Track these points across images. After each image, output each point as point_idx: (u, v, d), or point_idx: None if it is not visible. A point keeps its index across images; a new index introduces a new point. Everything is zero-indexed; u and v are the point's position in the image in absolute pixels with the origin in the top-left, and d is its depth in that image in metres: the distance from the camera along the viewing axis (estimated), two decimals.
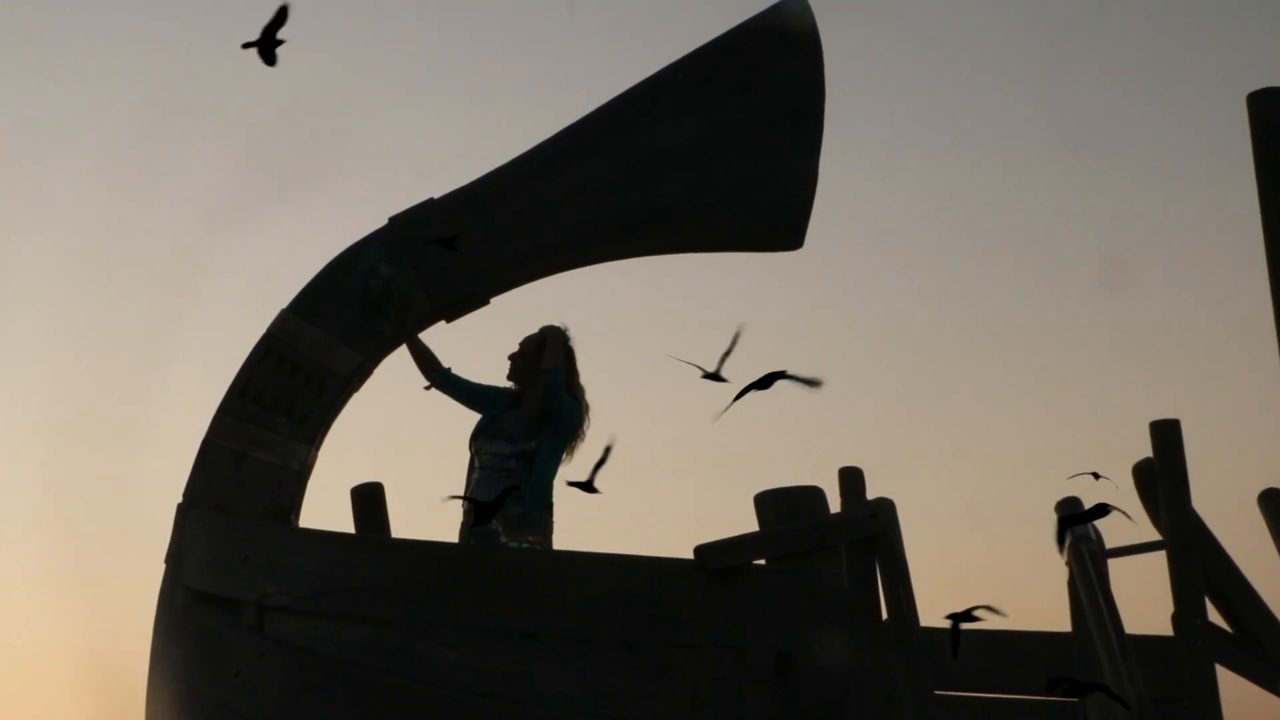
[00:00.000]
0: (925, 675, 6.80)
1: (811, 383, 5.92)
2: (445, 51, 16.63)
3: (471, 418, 6.91)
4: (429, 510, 6.00)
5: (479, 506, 6.02)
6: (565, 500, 6.71)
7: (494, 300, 7.00)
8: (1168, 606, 7.61)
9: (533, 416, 6.67)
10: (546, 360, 6.72)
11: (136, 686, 6.84)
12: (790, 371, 5.92)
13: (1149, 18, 16.92)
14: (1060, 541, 6.87)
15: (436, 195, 6.94)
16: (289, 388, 6.78)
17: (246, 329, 6.99)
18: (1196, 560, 7.59)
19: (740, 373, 6.01)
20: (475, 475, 6.72)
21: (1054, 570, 7.39)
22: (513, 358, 6.88)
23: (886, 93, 16.56)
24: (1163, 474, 7.70)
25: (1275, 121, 6.73)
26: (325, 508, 7.02)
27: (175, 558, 6.74)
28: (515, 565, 6.38)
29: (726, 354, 6.04)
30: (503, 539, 6.52)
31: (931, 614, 7.34)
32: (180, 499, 6.82)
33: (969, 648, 7.52)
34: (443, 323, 6.97)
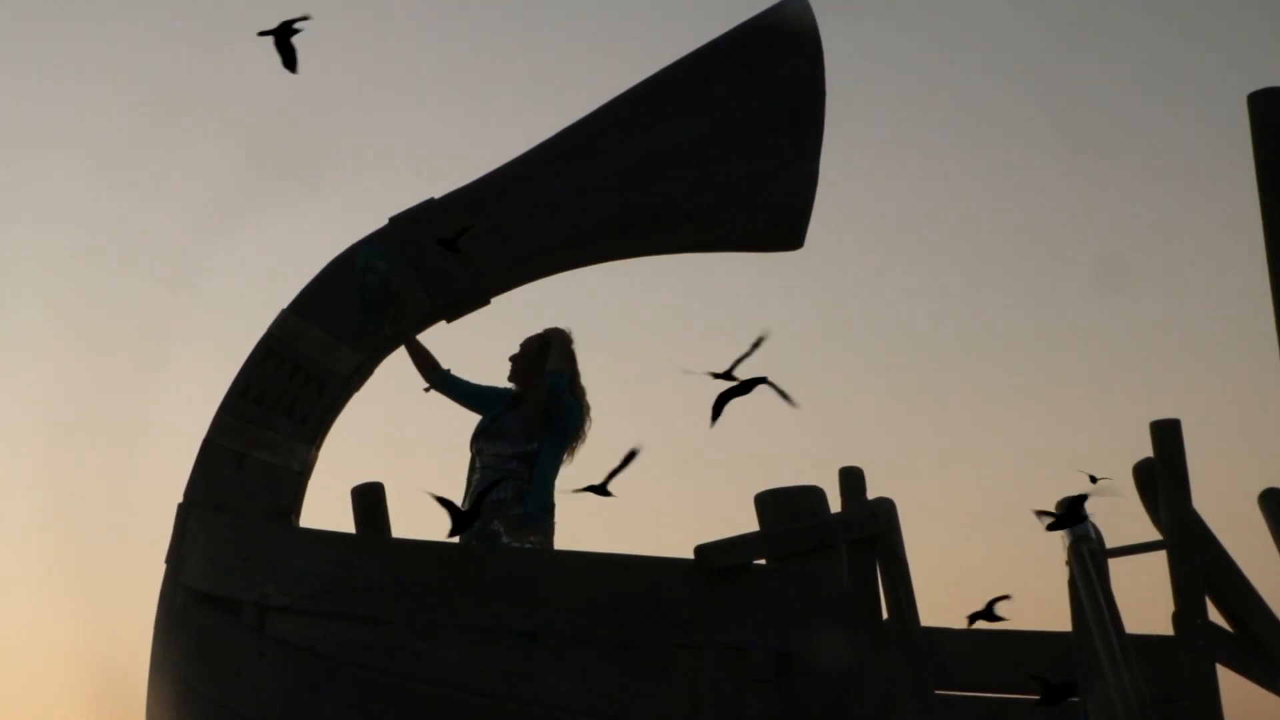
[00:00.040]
0: (926, 675, 6.81)
1: (787, 399, 5.92)
2: (445, 51, 16.63)
3: (472, 417, 6.91)
4: (429, 510, 5.99)
5: (456, 515, 5.98)
6: (565, 500, 6.72)
7: (494, 300, 7.00)
8: (1168, 606, 7.61)
9: (535, 418, 6.67)
10: (551, 363, 6.72)
11: (137, 686, 6.84)
12: (771, 380, 5.91)
13: (1149, 18, 16.93)
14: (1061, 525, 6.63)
15: (436, 195, 6.94)
16: (289, 388, 6.78)
17: (246, 329, 7.00)
18: (1197, 560, 7.59)
19: (743, 373, 6.01)
20: (476, 476, 6.72)
21: (1054, 570, 7.38)
22: (513, 359, 6.88)
23: (886, 93, 16.56)
24: (1163, 474, 7.70)
25: (1276, 122, 6.73)
26: (326, 508, 7.02)
27: (176, 558, 6.73)
28: (515, 565, 6.38)
29: (743, 358, 6.02)
30: (505, 539, 6.52)
31: (932, 614, 7.35)
32: (180, 499, 6.82)
33: (969, 648, 7.54)
34: (443, 323, 6.97)
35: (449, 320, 6.96)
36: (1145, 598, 7.83)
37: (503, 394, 6.89)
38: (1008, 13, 17.00)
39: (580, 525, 6.81)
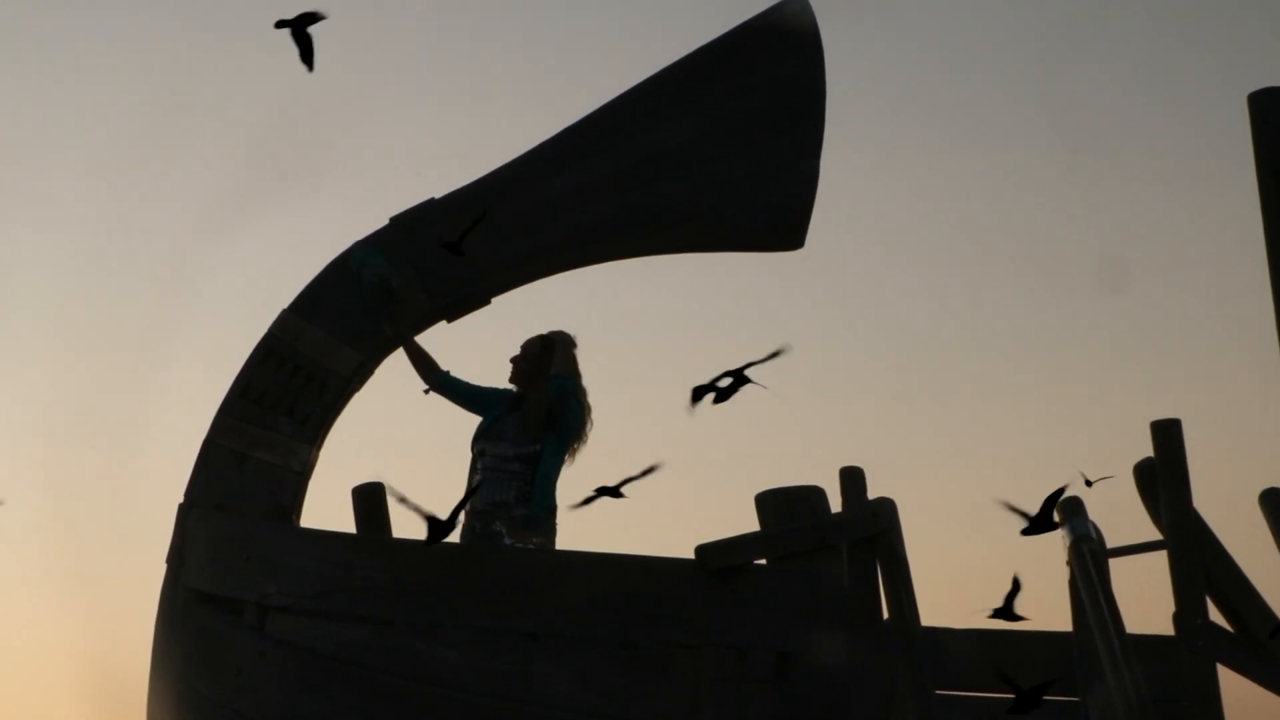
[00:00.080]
0: (926, 675, 6.80)
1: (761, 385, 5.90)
2: (445, 51, 16.63)
3: (473, 417, 6.90)
4: (430, 510, 5.99)
5: (433, 524, 5.96)
6: (567, 501, 6.72)
7: (495, 300, 7.00)
8: (1169, 606, 7.60)
9: (537, 420, 6.67)
10: (557, 366, 6.72)
11: (137, 686, 6.84)
12: (748, 374, 5.89)
13: (1149, 18, 16.92)
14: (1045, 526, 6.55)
15: (437, 195, 6.94)
16: (290, 388, 6.78)
17: (246, 329, 7.00)
18: (1197, 560, 7.58)
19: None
20: (477, 477, 6.71)
21: (1054, 570, 7.38)
22: (514, 360, 6.87)
23: (886, 93, 16.55)
24: (1164, 474, 7.70)
25: (1276, 121, 6.73)
26: (326, 508, 7.02)
27: (176, 558, 6.73)
28: (516, 565, 6.38)
29: (757, 363, 6.01)
30: (507, 540, 6.52)
31: (932, 614, 7.35)
32: (181, 499, 6.82)
33: (970, 648, 7.53)
34: (443, 323, 6.97)
35: (449, 320, 6.96)
36: (1146, 598, 7.83)
37: (503, 395, 6.88)
38: (1007, 13, 17.00)
39: (581, 525, 6.82)
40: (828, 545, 6.26)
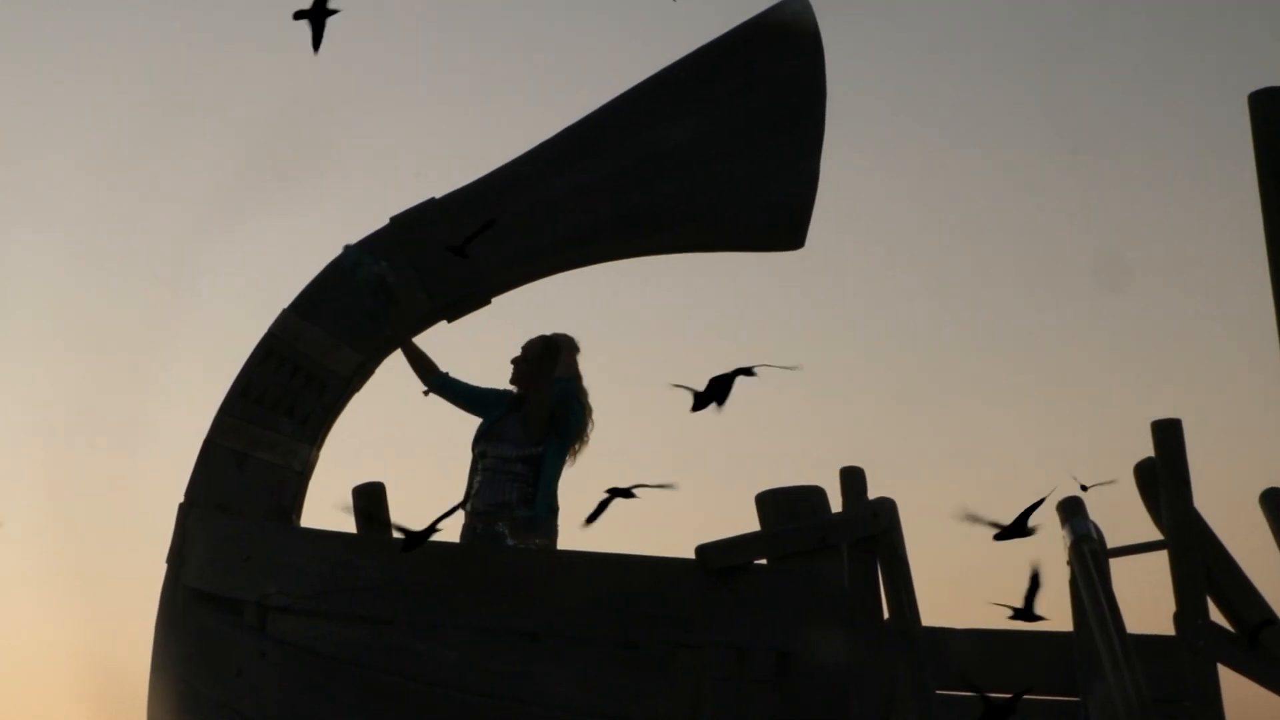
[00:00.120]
0: (927, 675, 6.80)
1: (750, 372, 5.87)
2: (445, 51, 16.63)
3: (473, 417, 6.90)
4: (430, 510, 5.99)
5: (408, 535, 5.95)
6: (567, 500, 6.72)
7: (495, 300, 6.99)
8: (1169, 606, 7.60)
9: (540, 421, 6.66)
10: (561, 369, 6.72)
11: (137, 686, 6.83)
12: (728, 378, 5.87)
13: (1149, 18, 16.92)
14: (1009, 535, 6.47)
15: (437, 195, 6.94)
16: (290, 388, 6.78)
17: (246, 329, 7.00)
18: (1198, 560, 7.58)
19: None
20: (478, 477, 6.71)
21: (1055, 570, 7.38)
22: (515, 361, 6.87)
23: (886, 93, 16.56)
24: (1164, 473, 7.70)
25: (1277, 122, 6.72)
26: (327, 508, 7.02)
27: (177, 558, 6.73)
28: (516, 565, 6.38)
29: (768, 366, 6.00)
30: (510, 541, 6.52)
31: (933, 614, 7.35)
32: (181, 499, 6.82)
33: (970, 647, 7.53)
34: (444, 323, 6.96)
35: (450, 320, 6.96)
36: (1146, 598, 7.83)
37: (502, 396, 6.88)
38: (1007, 13, 17.00)
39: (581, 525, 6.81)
40: (828, 545, 6.25)
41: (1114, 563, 7.43)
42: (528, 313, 7.23)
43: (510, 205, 6.85)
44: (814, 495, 6.41)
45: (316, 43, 5.82)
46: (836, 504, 8.11)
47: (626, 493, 6.06)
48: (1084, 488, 6.88)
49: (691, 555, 6.09)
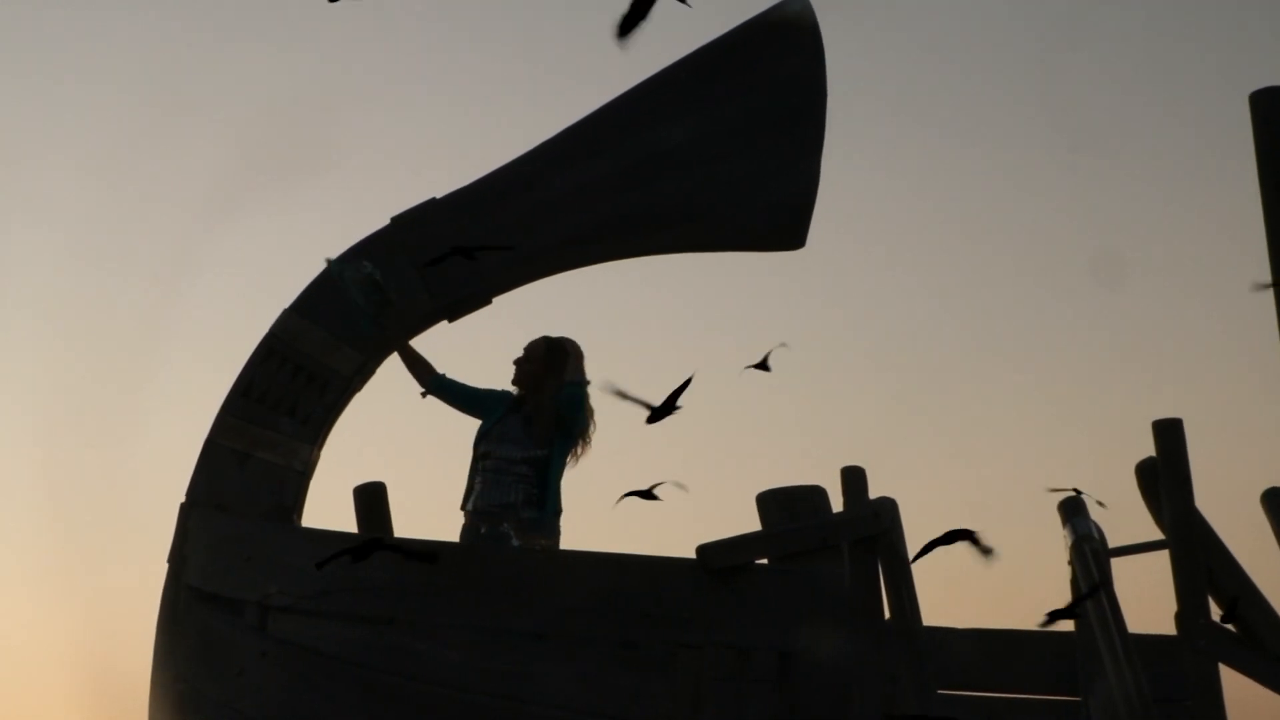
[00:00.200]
0: (928, 675, 6.80)
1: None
2: (445, 51, 16.62)
3: (473, 418, 6.89)
4: (431, 510, 5.99)
5: (369, 542, 5.96)
6: (567, 500, 6.72)
7: (496, 300, 6.99)
8: (1171, 606, 7.61)
9: (545, 423, 6.66)
10: (570, 372, 6.72)
11: (137, 686, 6.83)
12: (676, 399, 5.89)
13: (1149, 17, 16.93)
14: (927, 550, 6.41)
15: (437, 195, 6.93)
16: (291, 388, 6.78)
17: (246, 328, 6.99)
18: (1199, 559, 7.59)
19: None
20: (480, 478, 6.70)
21: (1056, 570, 7.39)
22: (518, 362, 6.86)
23: (886, 93, 16.56)
24: (1165, 473, 7.70)
25: (1277, 121, 6.72)
26: (327, 507, 7.02)
27: (178, 558, 6.73)
28: (517, 565, 6.37)
29: (752, 366, 6.01)
30: (514, 542, 6.53)
31: (934, 614, 7.35)
32: (182, 498, 6.82)
33: (971, 648, 7.53)
34: (444, 322, 6.96)
35: (450, 320, 6.96)
36: (1148, 597, 7.83)
37: (501, 397, 6.87)
38: (1007, 12, 17.01)
39: (582, 525, 6.82)
40: (829, 545, 6.24)
41: (1115, 562, 7.43)
42: (528, 313, 7.23)
43: (511, 205, 6.85)
44: (815, 495, 6.40)
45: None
46: (837, 504, 8.12)
47: (649, 494, 6.08)
48: (1078, 493, 6.88)
49: (692, 555, 6.09)
